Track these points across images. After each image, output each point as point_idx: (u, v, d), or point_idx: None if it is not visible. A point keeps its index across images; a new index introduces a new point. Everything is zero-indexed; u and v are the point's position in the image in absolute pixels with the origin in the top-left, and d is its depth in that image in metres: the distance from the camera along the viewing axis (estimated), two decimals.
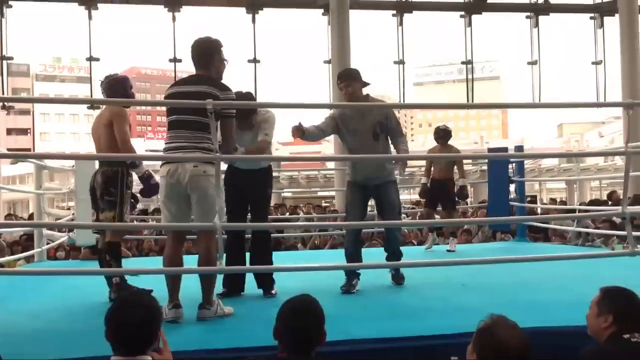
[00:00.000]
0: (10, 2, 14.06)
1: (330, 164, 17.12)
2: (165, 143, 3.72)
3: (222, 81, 3.83)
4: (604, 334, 2.46)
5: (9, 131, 63.55)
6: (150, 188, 4.41)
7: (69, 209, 13.46)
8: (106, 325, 2.21)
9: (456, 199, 7.68)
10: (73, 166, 7.00)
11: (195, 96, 3.60)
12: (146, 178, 4.40)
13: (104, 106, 4.91)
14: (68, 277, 5.15)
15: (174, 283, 3.62)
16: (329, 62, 14.62)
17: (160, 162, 3.76)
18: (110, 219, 4.23)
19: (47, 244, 7.15)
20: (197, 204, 3.63)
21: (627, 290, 2.56)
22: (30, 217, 9.81)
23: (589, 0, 16.90)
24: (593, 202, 11.14)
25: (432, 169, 7.53)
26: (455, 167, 7.59)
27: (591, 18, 16.71)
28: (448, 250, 7.26)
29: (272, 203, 18.82)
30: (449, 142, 7.50)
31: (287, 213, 11.22)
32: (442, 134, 7.42)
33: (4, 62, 14.24)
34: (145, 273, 5.02)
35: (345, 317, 3.61)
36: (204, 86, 3.65)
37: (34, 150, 57.44)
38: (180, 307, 3.56)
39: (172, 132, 3.68)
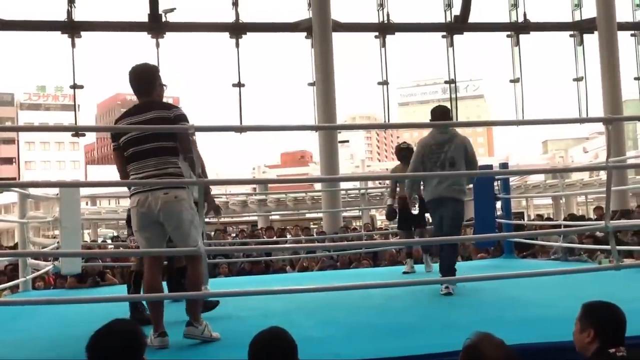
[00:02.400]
0: None
1: (318, 186, 17.14)
2: (132, 175, 3.66)
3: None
4: (589, 349, 2.47)
5: None
6: None
7: (54, 237, 13.34)
8: (87, 353, 2.18)
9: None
10: (57, 194, 6.95)
11: (156, 122, 3.60)
12: None
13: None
14: (53, 306, 5.08)
15: (156, 311, 3.58)
16: (313, 84, 14.71)
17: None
18: None
19: (32, 273, 7.06)
20: (174, 231, 3.61)
21: (609, 304, 2.57)
22: (15, 246, 9.71)
23: (568, 18, 17.18)
24: (573, 217, 11.21)
25: (398, 188, 7.14)
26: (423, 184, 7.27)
27: (571, 36, 16.97)
28: (427, 272, 6.99)
29: (260, 226, 18.70)
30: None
31: (275, 236, 11.18)
32: (405, 153, 7.00)
33: None
34: (140, 299, 4.94)
35: (331, 338, 3.60)
36: (157, 111, 3.63)
37: (19, 180, 57.13)
38: (166, 335, 3.52)
39: (137, 163, 3.62)
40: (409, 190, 5.91)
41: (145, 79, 3.78)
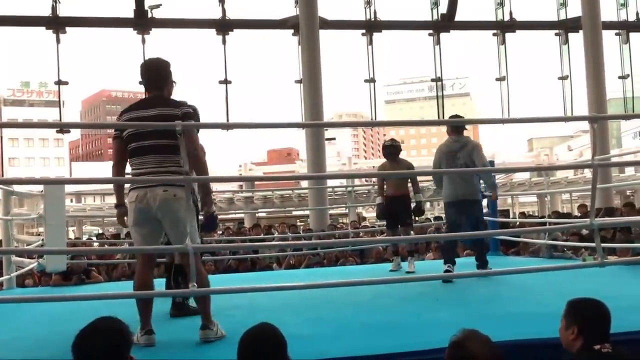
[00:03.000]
0: None
1: (304, 184, 17.14)
2: (132, 170, 3.65)
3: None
4: (574, 345, 2.49)
5: None
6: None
7: (38, 234, 13.24)
8: (73, 352, 2.16)
9: (412, 215, 7.29)
10: (42, 191, 6.89)
11: (159, 119, 3.55)
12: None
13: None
14: (38, 304, 5.04)
15: (145, 308, 3.57)
16: (300, 81, 14.69)
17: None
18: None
19: (17, 270, 7.00)
20: (171, 228, 3.58)
21: (593, 301, 2.59)
22: None
23: (553, 17, 17.28)
24: (558, 215, 11.30)
25: (386, 186, 7.13)
26: (410, 182, 7.28)
27: (556, 34, 17.08)
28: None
29: (247, 223, 18.65)
30: (400, 157, 7.13)
31: (262, 233, 11.17)
32: (391, 150, 7.04)
33: None
34: (127, 297, 4.92)
35: (318, 336, 3.60)
36: (162, 108, 3.58)
37: (2, 176, 56.61)
38: (152, 333, 3.50)
39: (138, 158, 3.60)
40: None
41: (158, 73, 3.74)
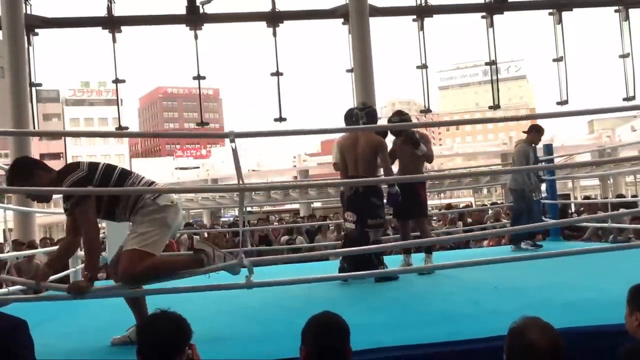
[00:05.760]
0: (36, 30, 14.40)
1: None
2: None
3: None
4: (638, 332, 2.41)
5: (42, 156, 64.71)
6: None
7: (101, 228, 13.63)
8: (137, 340, 2.27)
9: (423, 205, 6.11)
10: None
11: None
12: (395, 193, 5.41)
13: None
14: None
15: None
16: (351, 70, 14.64)
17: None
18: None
19: (82, 263, 7.22)
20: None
21: None
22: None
23: None
24: (621, 198, 10.94)
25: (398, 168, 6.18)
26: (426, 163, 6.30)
27: (616, 11, 16.44)
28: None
29: (302, 214, 18.76)
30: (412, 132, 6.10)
31: (319, 222, 11.21)
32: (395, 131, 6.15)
33: (34, 88, 14.56)
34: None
35: (374, 324, 3.58)
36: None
37: None
38: None
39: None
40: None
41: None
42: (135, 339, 2.53)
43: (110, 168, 3.61)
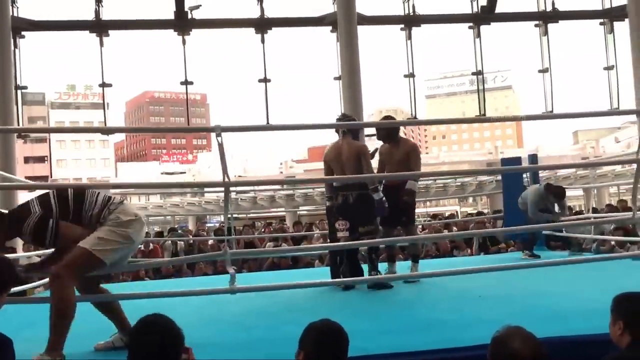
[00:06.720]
0: (23, 33, 14.30)
1: None
2: None
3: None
4: (622, 341, 2.44)
5: (27, 159, 64.33)
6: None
7: None
8: (129, 348, 2.25)
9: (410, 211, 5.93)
10: None
11: None
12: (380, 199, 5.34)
13: (345, 139, 5.57)
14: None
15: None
16: (339, 78, 14.68)
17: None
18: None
19: None
20: None
21: (639, 295, 2.54)
22: None
23: (598, 5, 16.84)
24: (611, 209, 11.03)
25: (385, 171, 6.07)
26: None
27: (601, 24, 16.62)
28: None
29: (289, 221, 18.76)
30: (401, 137, 6.08)
31: (303, 230, 11.20)
32: (387, 132, 5.99)
33: (19, 91, 14.45)
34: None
35: (359, 332, 3.57)
36: None
37: (51, 177, 58.21)
38: None
39: None
40: None
41: None
42: (123, 345, 2.53)
43: (62, 193, 3.47)
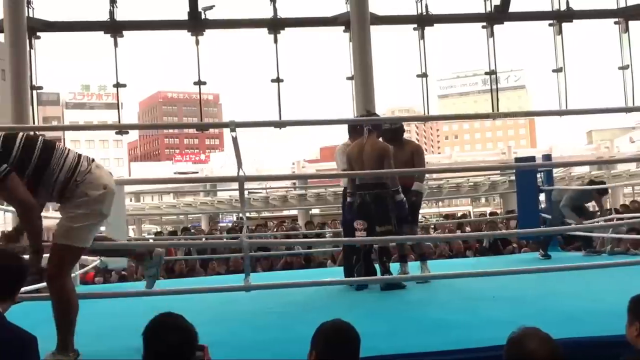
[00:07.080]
0: (38, 33, 14.42)
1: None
2: None
3: None
4: (639, 342, 2.42)
5: None
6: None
7: (100, 233, 13.61)
8: (145, 346, 2.24)
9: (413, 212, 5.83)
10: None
11: None
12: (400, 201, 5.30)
13: (370, 138, 5.40)
14: (101, 301, 5.18)
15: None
16: (351, 78, 14.66)
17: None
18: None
19: (80, 268, 7.22)
20: None
21: None
22: None
23: (612, 4, 16.70)
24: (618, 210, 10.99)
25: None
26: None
27: (616, 23, 16.49)
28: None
29: (301, 221, 18.81)
30: (405, 138, 6.14)
31: (316, 229, 11.21)
32: (392, 134, 5.93)
33: (34, 91, 14.56)
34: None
35: (371, 332, 3.58)
36: None
37: None
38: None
39: None
40: None
41: None
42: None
43: (30, 140, 3.11)
